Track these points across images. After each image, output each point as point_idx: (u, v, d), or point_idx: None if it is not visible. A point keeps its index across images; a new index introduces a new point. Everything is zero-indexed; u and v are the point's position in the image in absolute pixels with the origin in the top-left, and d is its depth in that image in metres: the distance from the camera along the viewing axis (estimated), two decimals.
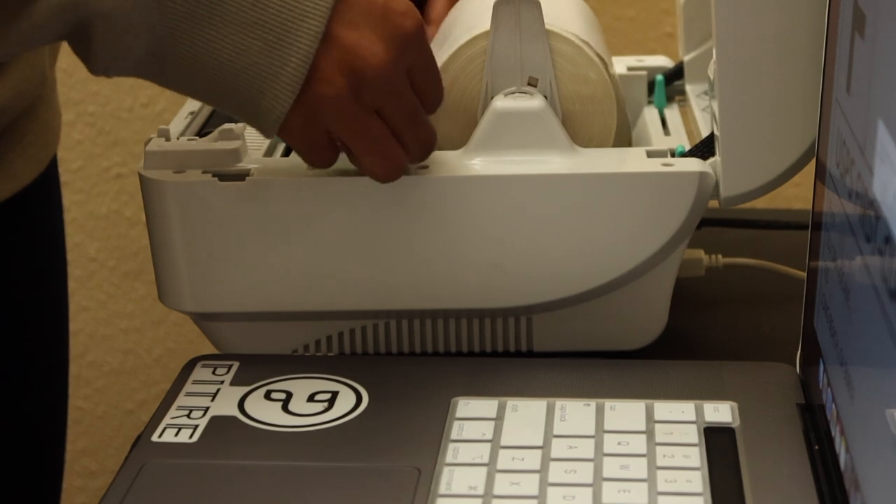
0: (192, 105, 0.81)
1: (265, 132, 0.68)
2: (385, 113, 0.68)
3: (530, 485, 0.61)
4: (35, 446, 0.93)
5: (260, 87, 0.65)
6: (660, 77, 0.87)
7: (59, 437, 0.97)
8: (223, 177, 0.72)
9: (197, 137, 0.76)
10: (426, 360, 0.75)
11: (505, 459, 0.63)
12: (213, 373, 0.72)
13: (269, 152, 0.78)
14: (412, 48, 0.67)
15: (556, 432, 0.65)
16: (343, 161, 0.75)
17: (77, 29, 0.64)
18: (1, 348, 0.87)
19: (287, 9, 0.65)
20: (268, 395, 0.70)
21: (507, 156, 0.73)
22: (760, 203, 0.77)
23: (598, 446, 0.64)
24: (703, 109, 0.83)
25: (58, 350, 0.94)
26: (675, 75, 0.89)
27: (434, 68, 0.70)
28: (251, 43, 0.65)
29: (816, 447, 0.63)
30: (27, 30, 0.63)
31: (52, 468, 0.97)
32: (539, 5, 0.74)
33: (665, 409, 0.67)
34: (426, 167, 0.72)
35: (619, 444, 0.64)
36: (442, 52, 0.77)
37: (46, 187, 0.90)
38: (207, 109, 0.81)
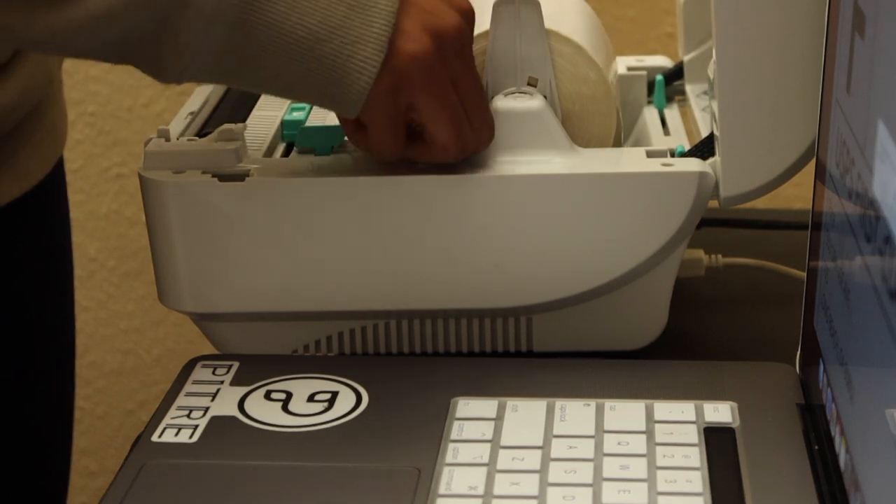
0: (192, 105, 0.81)
1: (352, 103, 0.66)
2: (461, 87, 0.68)
3: (530, 485, 0.61)
4: (40, 446, 0.93)
5: (348, 51, 0.65)
6: (660, 77, 0.87)
7: (64, 436, 0.97)
8: (223, 177, 0.72)
9: (196, 138, 0.76)
10: (426, 360, 0.75)
11: (505, 459, 0.63)
12: (213, 373, 0.72)
13: (269, 152, 0.78)
14: (469, 23, 0.69)
15: (555, 432, 0.65)
16: (343, 162, 0.75)
17: (162, 20, 0.63)
18: (7, 346, 0.87)
19: None
20: (268, 395, 0.70)
21: (507, 156, 0.73)
22: (760, 203, 0.77)
23: (598, 446, 0.64)
24: (702, 109, 0.83)
25: (63, 349, 0.94)
26: (674, 75, 0.89)
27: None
28: (334, 7, 0.64)
29: (816, 447, 0.63)
30: (105, 21, 0.62)
31: (58, 468, 0.97)
32: (539, 6, 0.74)
33: (665, 409, 0.67)
34: (425, 167, 0.72)
35: (618, 444, 0.64)
36: None
37: (54, 186, 0.90)
38: (207, 110, 0.81)
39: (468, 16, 0.69)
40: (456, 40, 0.67)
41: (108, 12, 0.62)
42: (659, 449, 0.63)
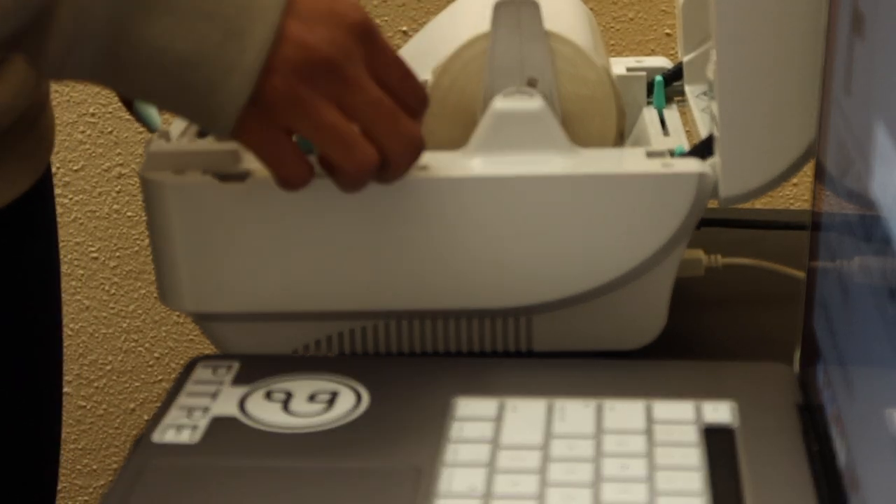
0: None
1: (220, 130, 0.65)
2: (347, 106, 0.66)
3: (530, 485, 0.61)
4: (28, 447, 0.93)
5: (216, 79, 0.64)
6: (659, 78, 0.87)
7: (52, 447, 0.97)
8: (223, 178, 0.72)
9: (197, 138, 0.76)
10: (426, 360, 0.75)
11: (505, 459, 0.63)
12: (214, 373, 0.72)
13: None
14: (363, 39, 0.66)
15: (555, 432, 0.65)
16: None
17: (38, 17, 0.62)
18: None
19: (244, 1, 0.63)
20: (268, 395, 0.70)
21: (507, 156, 0.73)
22: (760, 203, 0.77)
23: (598, 446, 0.64)
24: (702, 110, 0.83)
25: (51, 356, 0.94)
26: (674, 76, 0.89)
27: (399, 64, 0.68)
28: (208, 33, 0.63)
29: (815, 447, 0.63)
30: None
31: (46, 467, 0.97)
32: (539, 7, 0.74)
33: (664, 408, 0.67)
34: (425, 167, 0.72)
35: (618, 443, 0.64)
36: (439, 53, 0.77)
37: (42, 193, 0.90)
38: None
39: (354, 32, 0.66)
40: (328, 62, 0.65)
41: None
42: (658, 449, 0.63)
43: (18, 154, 0.84)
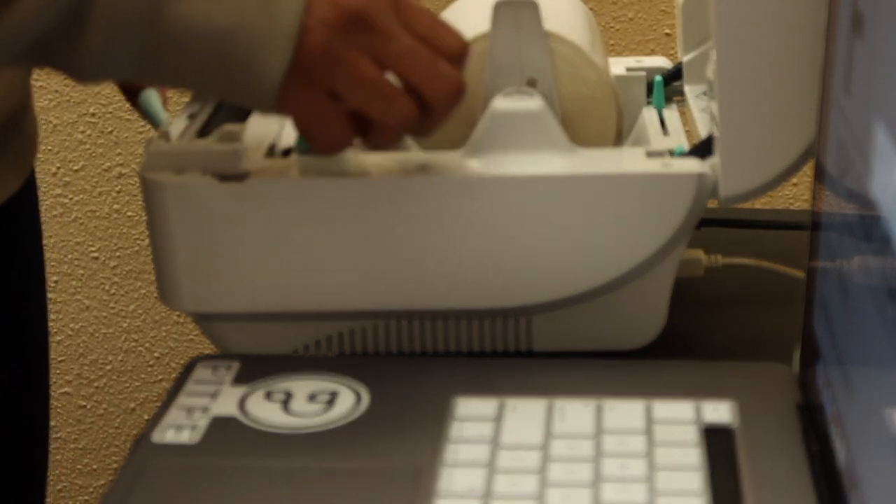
0: (193, 106, 0.81)
1: (264, 101, 0.66)
2: (384, 56, 0.66)
3: (530, 485, 0.61)
4: (17, 449, 0.93)
5: (256, 48, 0.64)
6: (658, 78, 0.87)
7: (41, 457, 0.97)
8: (223, 178, 0.72)
9: (197, 138, 0.76)
10: (426, 360, 0.75)
11: (505, 459, 0.63)
12: (214, 373, 0.72)
13: (270, 153, 0.78)
14: None
15: (555, 432, 0.65)
16: (343, 162, 0.75)
17: (77, 8, 0.62)
18: None
19: None
20: (268, 395, 0.70)
21: (507, 156, 0.73)
22: (760, 203, 0.77)
23: (598, 446, 0.64)
24: (701, 110, 0.83)
25: (38, 358, 0.94)
26: (673, 76, 0.89)
27: (429, 13, 0.68)
28: (242, 3, 0.64)
29: (815, 447, 0.63)
30: (17, 22, 0.62)
31: (36, 466, 0.97)
32: (538, 7, 0.74)
33: (664, 408, 0.67)
34: (425, 167, 0.72)
35: (618, 443, 0.64)
36: None
37: (27, 197, 0.90)
38: (208, 110, 0.81)
39: None
40: (361, 15, 0.65)
41: (21, 18, 0.62)
42: (658, 449, 0.63)
43: (6, 155, 0.84)
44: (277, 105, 0.67)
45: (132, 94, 0.82)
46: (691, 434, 0.65)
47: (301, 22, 0.64)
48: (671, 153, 0.74)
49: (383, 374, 0.72)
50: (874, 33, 0.53)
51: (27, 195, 0.90)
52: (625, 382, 0.70)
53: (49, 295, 1.59)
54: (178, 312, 0.76)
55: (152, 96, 0.79)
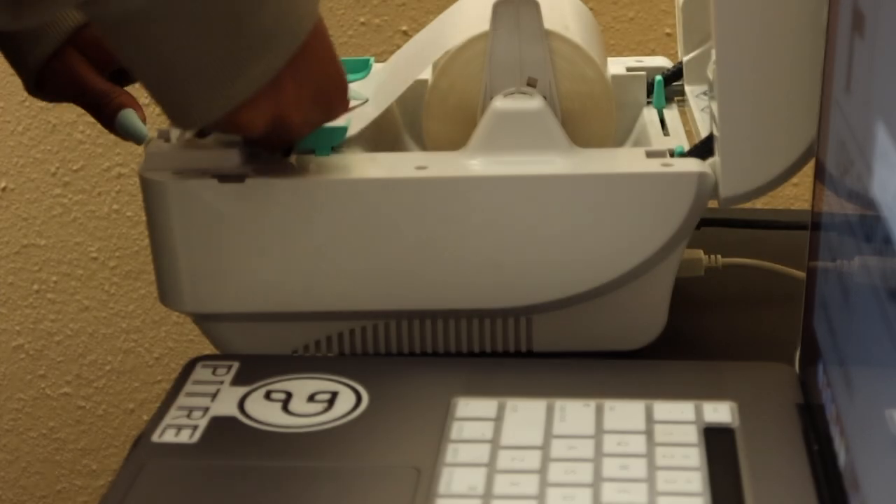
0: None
1: (182, 126, 0.69)
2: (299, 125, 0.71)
3: (530, 485, 0.61)
4: None
5: (199, 92, 0.65)
6: (659, 78, 0.87)
7: None
8: (223, 178, 0.72)
9: (197, 139, 0.76)
10: (426, 360, 0.75)
11: (505, 459, 0.63)
12: (214, 373, 0.72)
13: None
14: (333, 119, 0.71)
15: (555, 432, 0.65)
16: (343, 162, 0.75)
17: None
18: None
19: (272, 19, 0.64)
20: (268, 396, 0.70)
21: (507, 156, 0.73)
22: (760, 203, 0.77)
23: (598, 446, 0.64)
24: (702, 110, 0.83)
25: None
26: (674, 76, 0.89)
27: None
28: (215, 49, 0.64)
29: (816, 447, 0.63)
30: None
31: None
32: (538, 6, 0.74)
33: (664, 409, 0.67)
34: (425, 167, 0.72)
35: (618, 444, 0.64)
36: (439, 53, 0.77)
37: None
38: None
39: (330, 114, 0.71)
40: (291, 135, 0.70)
41: None
42: (658, 449, 0.63)
43: None
44: (201, 131, 0.70)
45: (108, 118, 0.82)
46: (692, 434, 0.65)
47: (255, 93, 0.66)
48: (671, 153, 0.74)
49: (383, 374, 0.72)
50: (874, 33, 0.53)
51: None
52: (625, 383, 0.70)
53: (48, 295, 1.59)
54: (177, 313, 0.76)
55: (131, 115, 0.79)
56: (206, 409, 0.69)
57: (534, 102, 0.73)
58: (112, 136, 0.80)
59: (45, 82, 0.80)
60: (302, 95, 0.68)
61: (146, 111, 0.84)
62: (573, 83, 0.76)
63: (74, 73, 0.79)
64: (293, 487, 0.62)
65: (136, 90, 0.83)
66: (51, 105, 1.49)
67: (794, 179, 0.73)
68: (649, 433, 0.65)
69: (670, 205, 0.71)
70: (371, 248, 0.73)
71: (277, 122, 0.68)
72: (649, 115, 0.86)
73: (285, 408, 0.69)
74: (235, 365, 0.73)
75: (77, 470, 1.69)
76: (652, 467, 0.62)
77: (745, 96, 0.71)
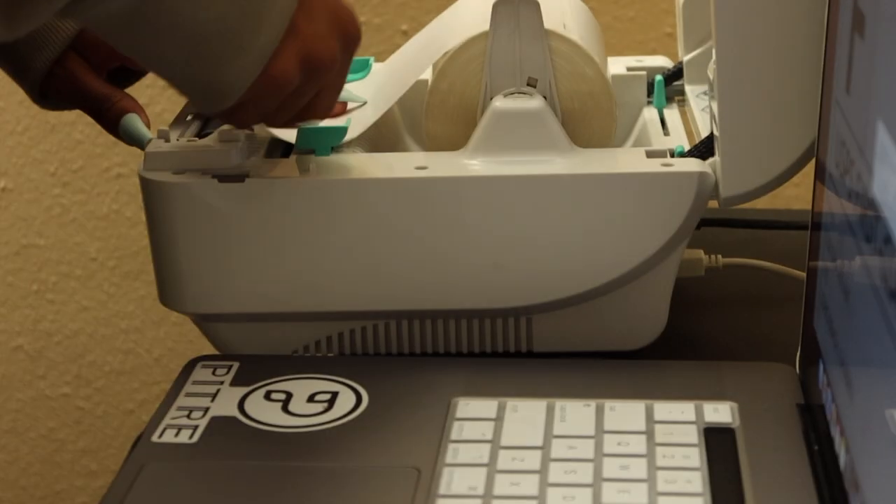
0: (193, 106, 0.81)
1: (218, 107, 0.67)
2: (311, 103, 0.70)
3: (530, 485, 0.61)
4: None
5: (228, 57, 0.65)
6: (659, 77, 0.87)
7: None
8: (223, 178, 0.72)
9: (196, 138, 0.76)
10: (426, 360, 0.75)
11: (505, 460, 0.63)
12: (213, 373, 0.72)
13: (269, 153, 0.78)
14: (346, 50, 0.70)
15: (555, 433, 0.65)
16: (343, 162, 0.75)
17: None
18: None
19: None
20: (268, 396, 0.70)
21: (507, 156, 0.73)
22: (760, 203, 0.77)
23: (598, 447, 0.64)
24: (702, 110, 0.83)
25: None
26: (674, 76, 0.89)
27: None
28: (230, 9, 0.64)
29: (816, 447, 0.63)
30: None
31: None
32: (538, 6, 0.74)
33: (665, 409, 0.67)
34: (425, 167, 0.72)
35: (618, 444, 0.64)
36: (439, 53, 0.77)
37: None
38: None
39: (349, 42, 0.70)
40: (323, 71, 0.68)
41: None
42: (659, 449, 0.63)
43: None
44: (227, 114, 0.68)
45: (111, 123, 0.82)
46: (692, 434, 0.65)
47: (276, 46, 0.65)
48: (671, 153, 0.74)
49: (383, 374, 0.72)
50: (874, 33, 0.53)
51: None
52: (625, 383, 0.70)
53: (47, 295, 1.59)
54: (177, 313, 0.76)
55: (134, 119, 0.79)
56: (206, 410, 0.69)
57: (534, 102, 0.73)
58: (111, 137, 0.80)
59: (48, 90, 0.80)
60: (318, 30, 0.67)
61: (146, 111, 0.84)
62: (573, 83, 0.76)
63: (76, 78, 0.79)
64: (293, 487, 0.62)
65: (137, 90, 0.83)
66: None
67: (795, 179, 0.73)
68: (649, 433, 0.65)
69: (670, 205, 0.71)
70: (371, 248, 0.73)
71: (307, 64, 0.67)
72: (649, 114, 0.86)
73: (285, 408, 0.69)
74: (235, 365, 0.73)
75: (76, 470, 1.69)
76: (652, 467, 0.62)
77: (745, 96, 0.71)
